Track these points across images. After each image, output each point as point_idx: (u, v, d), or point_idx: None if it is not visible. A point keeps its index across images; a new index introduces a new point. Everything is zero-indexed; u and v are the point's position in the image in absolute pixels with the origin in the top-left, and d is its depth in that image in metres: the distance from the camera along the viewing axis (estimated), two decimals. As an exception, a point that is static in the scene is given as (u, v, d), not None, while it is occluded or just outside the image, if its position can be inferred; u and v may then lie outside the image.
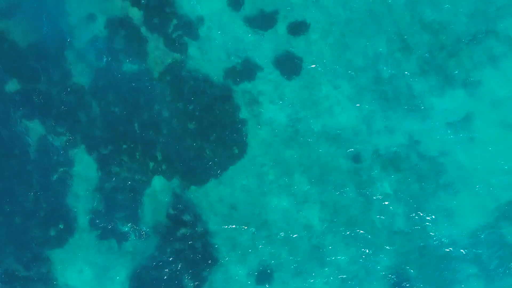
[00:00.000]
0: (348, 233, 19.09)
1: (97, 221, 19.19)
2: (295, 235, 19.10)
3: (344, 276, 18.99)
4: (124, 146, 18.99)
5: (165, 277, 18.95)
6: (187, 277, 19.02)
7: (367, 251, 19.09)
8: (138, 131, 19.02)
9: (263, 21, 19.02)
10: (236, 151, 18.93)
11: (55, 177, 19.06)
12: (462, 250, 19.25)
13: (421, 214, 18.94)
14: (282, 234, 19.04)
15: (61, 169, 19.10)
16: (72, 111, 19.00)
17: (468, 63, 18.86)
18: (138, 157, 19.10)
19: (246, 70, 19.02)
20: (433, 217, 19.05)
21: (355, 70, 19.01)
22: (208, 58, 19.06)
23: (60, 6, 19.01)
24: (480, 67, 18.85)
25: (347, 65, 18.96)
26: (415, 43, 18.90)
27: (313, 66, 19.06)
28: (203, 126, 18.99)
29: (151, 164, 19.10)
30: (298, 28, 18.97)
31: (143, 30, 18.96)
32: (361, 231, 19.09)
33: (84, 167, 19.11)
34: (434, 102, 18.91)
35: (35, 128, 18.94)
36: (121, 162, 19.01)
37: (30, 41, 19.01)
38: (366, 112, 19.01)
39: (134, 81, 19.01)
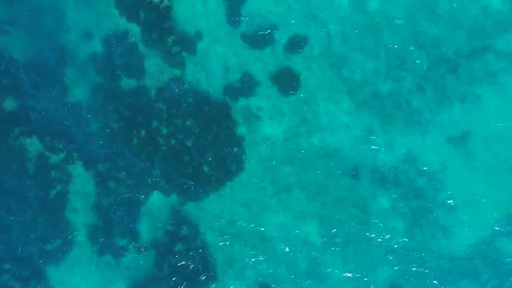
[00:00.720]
0: (346, 248, 19.03)
1: (95, 236, 19.15)
2: (293, 251, 19.04)
3: (343, 292, 18.99)
4: (122, 162, 18.93)
5: (163, 293, 18.93)
6: (185, 293, 18.99)
7: (366, 266, 19.01)
8: (136, 147, 18.98)
9: (261, 37, 19.04)
10: (234, 167, 18.92)
11: (53, 193, 19.04)
12: (459, 265, 19.20)
13: (419, 229, 18.87)
14: (280, 249, 18.99)
15: (59, 185, 19.06)
16: (70, 128, 19.00)
17: (466, 79, 18.89)
18: (135, 172, 19.04)
19: (245, 86, 19.04)
20: (431, 232, 18.98)
21: (353, 86, 19.00)
22: (206, 74, 19.06)
23: (58, 22, 19.04)
24: (478, 83, 18.88)
25: (345, 81, 18.95)
26: (413, 59, 18.90)
27: (311, 82, 19.02)
28: (201, 142, 18.96)
29: (149, 180, 19.06)
30: (296, 44, 19.00)
31: (141, 46, 18.98)
32: (360, 247, 19.03)
33: (82, 183, 19.09)
34: (433, 118, 18.92)
35: (33, 145, 18.92)
36: (119, 178, 18.96)
37: (28, 57, 19.02)
38: (364, 127, 19.01)
39: (132, 97, 19.01)
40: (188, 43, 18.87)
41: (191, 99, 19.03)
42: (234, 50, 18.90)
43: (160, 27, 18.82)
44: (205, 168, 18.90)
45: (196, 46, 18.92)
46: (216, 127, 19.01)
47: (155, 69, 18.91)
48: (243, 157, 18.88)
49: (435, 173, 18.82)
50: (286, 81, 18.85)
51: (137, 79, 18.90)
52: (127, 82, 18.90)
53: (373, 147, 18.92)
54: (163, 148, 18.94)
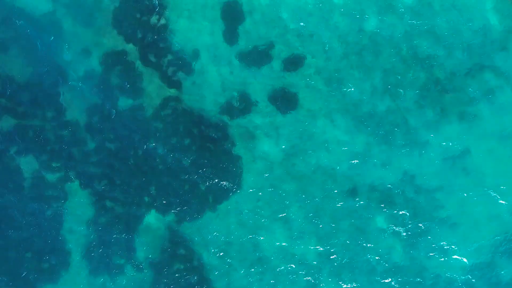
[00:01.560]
0: (343, 268, 18.93)
1: (91, 256, 19.06)
2: (290, 271, 18.94)
3: (340, 312, 18.89)
4: (118, 182, 18.87)
5: (160, 314, 18.85)
6: (182, 314, 18.91)
7: (363, 286, 18.91)
8: (133, 167, 18.92)
9: (258, 55, 19.01)
10: (231, 186, 18.83)
11: (49, 211, 18.96)
12: (458, 285, 19.10)
13: (417, 249, 18.76)
14: (277, 269, 18.90)
15: (55, 203, 18.99)
16: (66, 147, 18.93)
17: (463, 98, 18.83)
18: (132, 192, 18.99)
19: (241, 105, 19.00)
20: (429, 252, 18.88)
21: (350, 105, 18.94)
22: (203, 93, 19.03)
23: (55, 41, 19.01)
24: (476, 102, 18.83)
25: (342, 100, 18.90)
26: (411, 78, 18.87)
27: (308, 100, 18.97)
28: (197, 161, 18.90)
29: (146, 199, 18.99)
30: (293, 62, 18.97)
31: (138, 65, 18.95)
32: (357, 266, 18.93)
33: (78, 201, 19.03)
34: (430, 137, 18.86)
35: (29, 163, 18.87)
36: (115, 197, 18.90)
37: (25, 76, 18.99)
38: (362, 146, 18.95)
39: (129, 116, 18.97)
40: (185, 62, 18.84)
41: (188, 118, 18.96)
42: (231, 69, 18.86)
43: (157, 46, 18.78)
44: (202, 187, 18.84)
45: (193, 65, 18.88)
46: (212, 146, 18.94)
47: (152, 89, 18.87)
48: (240, 176, 18.80)
49: (432, 192, 18.75)
50: (283, 100, 18.80)
51: (134, 98, 18.85)
52: (124, 101, 18.87)
53: (370, 166, 18.83)
54: (159, 167, 18.85)
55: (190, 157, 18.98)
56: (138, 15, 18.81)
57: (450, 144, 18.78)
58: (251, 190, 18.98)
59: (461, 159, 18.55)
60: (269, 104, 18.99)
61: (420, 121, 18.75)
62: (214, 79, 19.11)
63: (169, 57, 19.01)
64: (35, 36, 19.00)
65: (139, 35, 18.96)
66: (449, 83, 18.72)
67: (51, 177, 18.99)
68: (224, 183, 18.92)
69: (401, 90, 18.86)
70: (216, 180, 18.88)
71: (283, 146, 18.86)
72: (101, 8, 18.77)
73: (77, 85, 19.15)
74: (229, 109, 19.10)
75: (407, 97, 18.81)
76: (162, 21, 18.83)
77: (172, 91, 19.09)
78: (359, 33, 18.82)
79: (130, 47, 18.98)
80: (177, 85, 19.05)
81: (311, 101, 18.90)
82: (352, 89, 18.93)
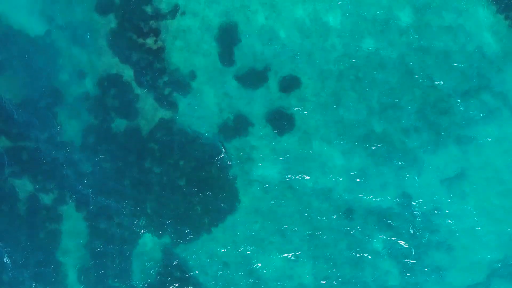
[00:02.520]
0: (340, 290, 18.87)
1: (87, 278, 18.95)
2: (287, 294, 18.88)
3: (337, 335, 18.82)
4: (114, 203, 18.77)
5: (156, 337, 18.75)
6: (178, 337, 18.82)
7: (360, 308, 18.85)
8: (128, 188, 18.83)
9: (254, 77, 18.95)
10: (227, 207, 18.75)
11: (43, 233, 18.85)
12: (455, 307, 19.07)
13: (414, 272, 18.69)
14: (274, 292, 18.82)
15: (50, 225, 18.88)
16: (61, 168, 18.84)
17: (460, 119, 18.77)
18: (127, 213, 18.89)
19: (238, 126, 18.93)
20: (426, 274, 18.82)
21: (347, 126, 18.88)
22: (199, 114, 18.97)
23: (51, 62, 18.94)
24: (473, 123, 18.78)
25: (339, 121, 18.84)
26: (408, 99, 18.80)
27: (304, 122, 18.90)
28: (193, 183, 18.83)
29: (142, 220, 18.91)
30: (290, 84, 18.91)
31: (134, 86, 18.87)
32: (354, 288, 18.86)
33: (73, 223, 18.95)
34: (427, 159, 18.80)
35: (24, 185, 18.81)
36: (111, 218, 18.81)
37: (20, 97, 18.94)
38: (358, 168, 18.88)
39: (125, 137, 18.88)
40: (181, 83, 18.78)
41: (183, 139, 18.88)
42: (227, 90, 18.81)
43: (153, 67, 18.69)
44: (198, 209, 18.76)
45: (189, 87, 18.83)
46: (208, 167, 18.87)
47: (148, 110, 18.79)
48: (236, 198, 18.72)
49: (429, 214, 18.68)
50: (280, 122, 18.74)
51: (130, 119, 18.77)
52: (120, 122, 18.79)
53: (367, 188, 18.76)
54: (155, 188, 18.76)
55: (185, 179, 18.87)
56: (134, 37, 18.69)
57: (447, 166, 18.67)
58: (247, 212, 18.87)
59: (457, 182, 18.48)
60: (265, 126, 18.95)
61: (416, 143, 18.69)
62: (210, 100, 19.04)
63: (165, 78, 18.94)
64: (30, 57, 18.92)
65: (135, 56, 18.88)
66: (446, 105, 18.67)
67: (46, 198, 18.88)
68: (220, 205, 18.81)
69: (398, 112, 18.74)
70: (212, 202, 18.77)
71: (279, 168, 18.75)
72: (97, 30, 18.71)
73: (72, 106, 19.05)
74: (225, 131, 19.03)
75: (404, 118, 18.70)
76: (158, 43, 18.72)
77: (168, 112, 18.99)
78: (356, 54, 18.75)
79: (125, 68, 18.88)
80: (172, 106, 18.98)
81: (307, 122, 18.83)
82: (349, 111, 18.82)
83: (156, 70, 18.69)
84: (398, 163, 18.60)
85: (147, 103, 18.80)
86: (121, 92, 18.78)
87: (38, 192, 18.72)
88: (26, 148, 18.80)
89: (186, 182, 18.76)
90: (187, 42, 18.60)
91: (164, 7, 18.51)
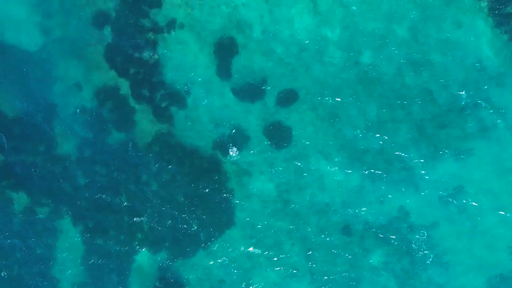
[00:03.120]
0: (338, 306, 18.79)
1: (83, 293, 18.83)
2: (284, 309, 18.79)
3: None
4: (110, 218, 18.66)
5: None
6: None
7: (358, 324, 18.76)
8: (125, 202, 18.71)
9: (252, 90, 18.85)
10: (224, 222, 18.64)
11: (39, 249, 18.72)
12: (453, 323, 18.99)
13: (411, 287, 18.62)
14: (271, 308, 18.73)
15: (46, 240, 18.74)
16: (57, 182, 18.71)
17: (458, 134, 18.68)
18: (124, 228, 18.77)
19: (235, 140, 18.77)
20: (424, 289, 18.75)
21: (345, 141, 18.78)
22: (196, 128, 18.85)
23: (47, 75, 18.81)
24: (471, 138, 18.68)
25: (337, 135, 18.73)
26: (406, 114, 18.70)
27: (302, 136, 18.80)
28: (190, 197, 18.71)
29: (138, 235, 18.79)
30: (287, 98, 18.79)
31: (131, 99, 18.74)
32: (352, 304, 18.77)
33: (70, 238, 18.85)
34: (425, 173, 18.70)
35: (19, 199, 18.65)
36: (108, 233, 18.68)
37: (16, 110, 18.78)
38: (356, 183, 18.79)
39: (121, 151, 18.76)
40: (178, 97, 18.66)
41: (180, 153, 18.76)
42: (225, 103, 18.69)
43: (150, 80, 18.57)
44: (195, 224, 18.63)
45: (186, 100, 18.68)
46: (206, 182, 18.75)
47: (145, 123, 18.68)
48: (233, 212, 18.61)
49: (427, 229, 18.62)
50: (277, 136, 18.63)
51: (126, 132, 18.64)
52: (116, 136, 18.67)
53: (364, 202, 18.65)
54: (152, 202, 18.63)
55: (182, 193, 18.75)
56: (130, 50, 18.56)
57: (445, 181, 18.58)
58: (244, 227, 18.76)
59: (456, 196, 18.36)
60: (263, 140, 18.80)
61: (415, 158, 18.56)
62: (207, 113, 18.93)
63: (162, 91, 18.81)
64: (27, 70, 18.78)
65: (132, 70, 18.75)
66: (444, 119, 18.59)
67: (41, 213, 18.75)
68: (217, 220, 18.70)
69: (396, 126, 18.65)
70: (209, 217, 18.67)
71: (277, 183, 18.66)
72: (93, 43, 18.56)
73: (69, 119, 18.92)
74: (222, 145, 18.89)
75: (402, 133, 18.61)
76: (155, 56, 18.60)
77: (165, 126, 18.87)
78: (354, 68, 18.63)
79: (122, 81, 18.77)
80: (169, 119, 18.87)
81: (305, 137, 18.71)
82: (347, 125, 18.72)
83: (153, 83, 18.55)
84: (396, 178, 18.48)
85: (143, 116, 18.67)
86: (118, 105, 18.65)
87: (34, 206, 18.52)
88: (22, 161, 18.61)
89: (183, 196, 18.58)
90: (184, 55, 18.48)
91: (161, 20, 18.36)
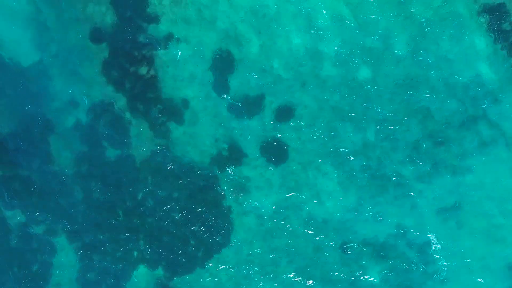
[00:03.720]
0: (336, 323, 18.72)
1: (79, 311, 18.72)
2: (281, 326, 18.71)
3: None
4: (107, 234, 18.55)
5: None
6: None
7: None
8: (121, 219, 18.62)
9: (249, 106, 18.76)
10: (221, 239, 18.57)
11: (35, 266, 18.61)
12: None
13: (410, 304, 18.57)
14: (268, 325, 18.65)
15: (42, 257, 18.63)
16: (53, 198, 18.61)
17: (456, 150, 18.62)
18: (121, 245, 18.67)
19: (232, 156, 18.72)
20: (422, 306, 18.68)
21: (342, 157, 18.71)
22: (193, 143, 18.76)
23: (43, 90, 18.71)
24: (469, 154, 18.62)
25: (334, 152, 18.66)
26: (403, 130, 18.64)
27: (299, 152, 18.72)
28: (187, 214, 18.61)
29: (135, 253, 18.69)
30: (284, 114, 18.72)
31: (127, 115, 18.64)
32: (349, 321, 18.71)
33: (66, 255, 18.74)
34: (423, 190, 18.65)
35: (15, 216, 18.53)
36: (104, 250, 18.57)
37: (12, 126, 18.66)
38: (354, 199, 18.72)
39: (118, 167, 18.66)
40: (175, 112, 18.58)
41: (177, 170, 18.66)
42: (221, 119, 18.61)
43: (146, 96, 18.46)
44: (192, 241, 18.54)
45: (183, 116, 18.62)
46: (203, 198, 18.67)
47: (141, 139, 18.57)
48: (230, 229, 18.53)
49: (425, 246, 18.54)
50: (274, 152, 18.55)
51: (122, 148, 18.54)
52: (112, 152, 18.56)
53: (362, 219, 18.60)
54: (148, 219, 18.55)
55: (179, 210, 18.69)
56: (127, 65, 18.47)
57: (443, 198, 18.54)
58: (241, 244, 18.68)
59: (453, 213, 18.32)
60: (260, 156, 18.73)
61: (412, 174, 18.50)
62: (204, 129, 18.86)
63: (159, 106, 18.71)
64: (23, 85, 18.66)
65: (128, 85, 18.64)
66: (442, 136, 18.53)
67: (37, 229, 18.65)
68: (214, 237, 18.61)
69: (394, 142, 18.57)
70: (206, 234, 18.60)
71: (274, 199, 18.58)
72: (90, 58, 18.46)
73: (65, 134, 18.82)
74: (219, 161, 18.81)
75: (399, 149, 18.54)
76: (152, 71, 18.50)
77: (162, 142, 18.78)
78: (351, 83, 18.56)
79: (119, 96, 18.66)
80: (166, 135, 18.77)
81: (302, 153, 18.65)
82: (344, 141, 18.66)
83: (149, 98, 18.45)
84: (394, 194, 18.41)
85: (140, 132, 18.60)
86: (114, 121, 18.57)
87: (29, 223, 18.40)
88: (17, 177, 18.52)
89: (180, 213, 18.50)
90: (181, 71, 18.38)
91: (157, 35, 18.24)
